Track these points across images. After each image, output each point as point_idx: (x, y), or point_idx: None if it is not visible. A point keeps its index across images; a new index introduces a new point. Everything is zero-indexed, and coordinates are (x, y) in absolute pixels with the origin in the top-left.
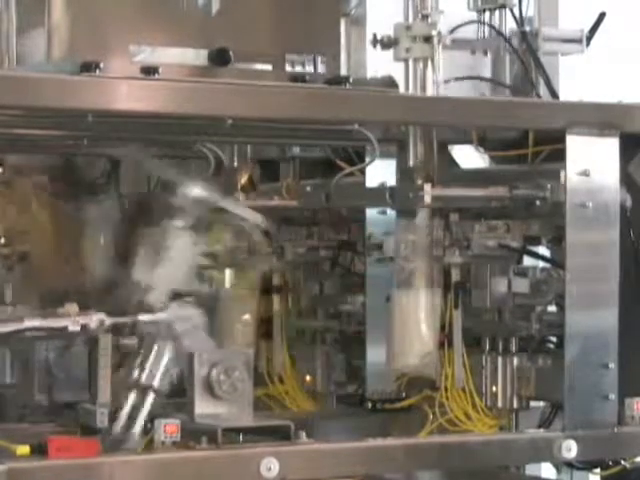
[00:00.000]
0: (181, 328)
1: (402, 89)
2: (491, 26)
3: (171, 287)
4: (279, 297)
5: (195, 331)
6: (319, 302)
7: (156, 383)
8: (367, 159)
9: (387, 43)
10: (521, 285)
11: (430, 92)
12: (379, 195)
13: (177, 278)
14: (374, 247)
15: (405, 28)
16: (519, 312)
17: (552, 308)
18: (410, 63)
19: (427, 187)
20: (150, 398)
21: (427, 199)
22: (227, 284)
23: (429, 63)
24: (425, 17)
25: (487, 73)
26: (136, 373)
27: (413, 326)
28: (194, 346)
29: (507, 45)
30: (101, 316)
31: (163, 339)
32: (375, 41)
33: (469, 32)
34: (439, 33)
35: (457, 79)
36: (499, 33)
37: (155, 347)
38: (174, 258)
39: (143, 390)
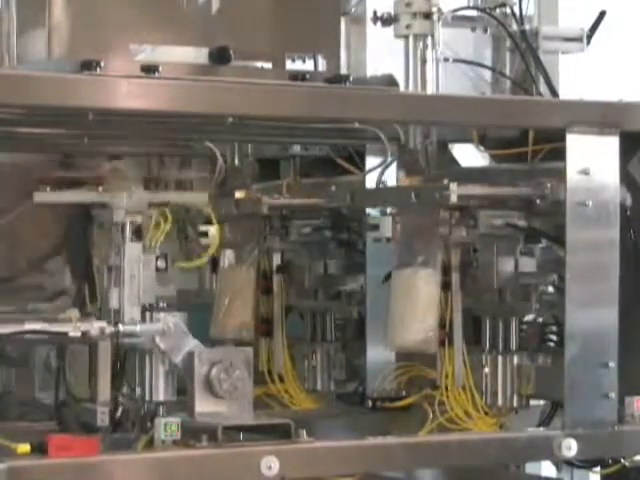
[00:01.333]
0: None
1: (402, 66)
2: (493, 16)
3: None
4: (280, 278)
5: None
6: (320, 282)
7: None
8: (367, 158)
9: (387, 20)
10: (528, 264)
11: (430, 69)
12: (404, 195)
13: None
14: (371, 228)
15: (405, 4)
16: (520, 292)
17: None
18: (410, 40)
19: (453, 186)
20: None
21: (454, 198)
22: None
23: (429, 40)
24: None
25: (488, 61)
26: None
27: (413, 303)
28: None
29: (508, 40)
30: (102, 324)
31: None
32: (375, 18)
33: (468, 34)
34: (439, 9)
35: (456, 60)
36: (501, 24)
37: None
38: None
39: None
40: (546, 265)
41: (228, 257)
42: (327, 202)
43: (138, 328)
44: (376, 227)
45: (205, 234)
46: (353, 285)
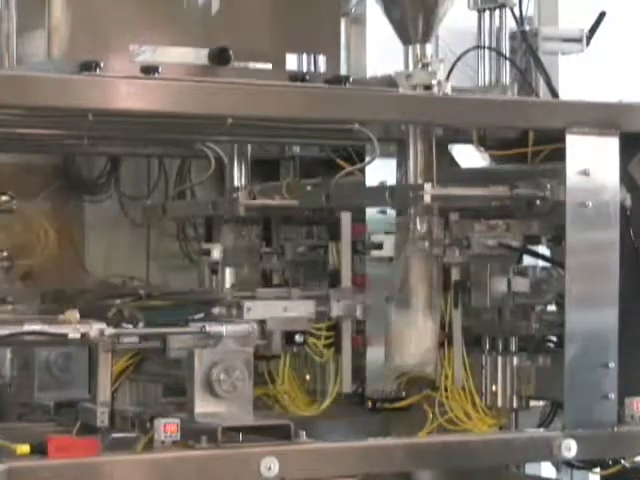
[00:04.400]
0: None
1: (402, 67)
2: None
3: None
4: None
5: None
6: None
7: None
8: (367, 158)
9: None
10: (521, 284)
11: None
12: (379, 194)
13: None
14: (374, 246)
15: (405, 77)
16: (519, 312)
17: (552, 307)
18: None
19: (427, 186)
20: None
21: (427, 198)
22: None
23: None
24: (425, 66)
25: None
26: None
27: (412, 326)
28: None
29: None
30: (101, 325)
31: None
32: None
33: (469, 35)
34: (439, 82)
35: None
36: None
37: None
38: None
39: None
40: (542, 284)
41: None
42: (303, 202)
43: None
44: (379, 246)
45: (207, 252)
46: None
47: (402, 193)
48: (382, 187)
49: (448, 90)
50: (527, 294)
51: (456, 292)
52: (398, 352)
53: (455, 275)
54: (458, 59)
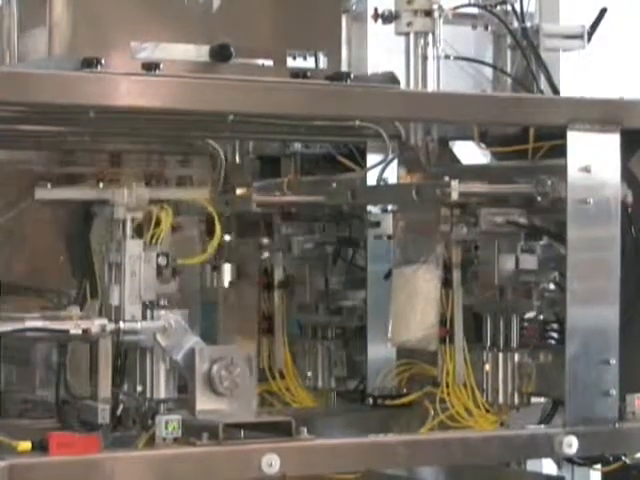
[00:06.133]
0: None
1: (403, 64)
2: (493, 13)
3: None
4: (281, 292)
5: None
6: (321, 297)
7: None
8: (368, 155)
9: (388, 17)
10: (529, 262)
11: (431, 67)
12: (405, 192)
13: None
14: (371, 224)
15: (406, 2)
16: (521, 290)
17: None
18: (411, 37)
19: (454, 183)
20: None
21: (454, 195)
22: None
23: (430, 37)
24: None
25: (489, 58)
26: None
27: (413, 301)
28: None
29: (509, 37)
30: (103, 321)
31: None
32: (376, 15)
33: (470, 32)
34: (440, 7)
35: (457, 58)
36: (502, 22)
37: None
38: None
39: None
40: (547, 262)
41: (227, 271)
42: (328, 199)
43: (139, 325)
44: (377, 224)
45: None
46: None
47: (429, 190)
48: (408, 185)
49: (449, 15)
50: (533, 271)
51: (463, 270)
52: (402, 328)
53: (457, 255)
54: None
